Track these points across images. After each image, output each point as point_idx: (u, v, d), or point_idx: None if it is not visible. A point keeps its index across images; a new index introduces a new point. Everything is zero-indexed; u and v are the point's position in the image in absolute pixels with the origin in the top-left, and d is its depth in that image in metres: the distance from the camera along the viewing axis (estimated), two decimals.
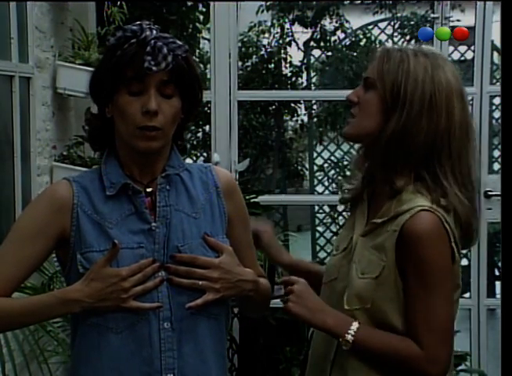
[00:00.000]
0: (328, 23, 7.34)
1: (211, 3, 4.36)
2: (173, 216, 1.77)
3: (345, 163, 7.68)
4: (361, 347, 1.76)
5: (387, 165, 1.81)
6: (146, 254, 1.74)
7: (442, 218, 1.76)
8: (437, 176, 1.80)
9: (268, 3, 7.08)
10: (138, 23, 1.74)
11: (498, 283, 6.06)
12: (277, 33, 7.35)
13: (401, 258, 1.76)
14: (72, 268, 1.75)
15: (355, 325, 1.76)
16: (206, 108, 4.20)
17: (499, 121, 7.11)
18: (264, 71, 7.31)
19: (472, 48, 5.23)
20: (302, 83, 7.54)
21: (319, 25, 7.33)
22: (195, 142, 7.38)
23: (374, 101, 1.82)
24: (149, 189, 1.77)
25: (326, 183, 7.74)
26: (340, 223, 7.42)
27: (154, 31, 1.72)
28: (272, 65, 7.40)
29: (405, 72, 1.80)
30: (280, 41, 7.36)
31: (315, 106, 7.56)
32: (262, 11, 7.10)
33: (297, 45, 7.45)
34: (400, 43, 7.53)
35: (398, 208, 1.79)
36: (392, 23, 7.59)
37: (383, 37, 7.62)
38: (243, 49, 7.14)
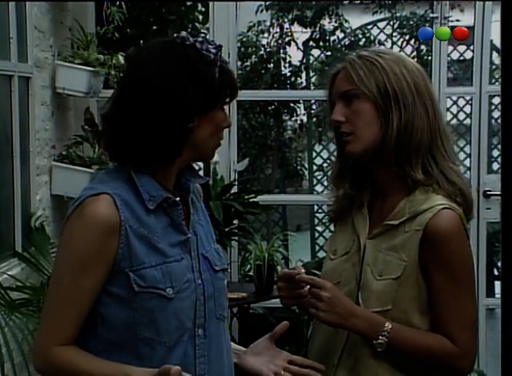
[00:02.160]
0: (327, 23, 7.33)
1: (210, 3, 4.36)
2: (195, 224, 1.79)
3: None
4: (395, 348, 1.76)
5: (402, 163, 1.81)
6: (188, 265, 1.74)
7: (462, 215, 1.79)
8: (435, 158, 1.82)
9: (268, 3, 7.08)
10: (202, 36, 1.72)
11: (497, 283, 6.06)
12: (276, 33, 7.34)
13: (424, 256, 1.77)
14: (116, 284, 1.68)
15: (387, 326, 1.76)
16: None
17: (498, 120, 7.11)
18: (263, 71, 7.30)
19: (471, 47, 5.24)
20: (301, 83, 7.53)
21: (319, 25, 7.32)
22: None
23: (366, 109, 1.82)
24: (177, 199, 1.76)
25: (326, 183, 7.73)
26: None
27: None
28: (271, 65, 7.40)
29: (383, 71, 1.81)
30: (279, 41, 7.35)
31: (314, 106, 7.55)
32: (261, 11, 7.09)
33: (297, 44, 7.44)
34: (399, 43, 7.53)
35: (413, 208, 1.80)
36: (391, 23, 7.58)
37: (382, 36, 7.62)
38: (242, 49, 7.13)
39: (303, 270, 1.81)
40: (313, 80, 7.83)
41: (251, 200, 4.09)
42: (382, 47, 2.07)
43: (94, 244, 1.65)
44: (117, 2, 4.19)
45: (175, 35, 1.73)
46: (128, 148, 1.70)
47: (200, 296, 1.74)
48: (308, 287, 1.79)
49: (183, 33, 1.72)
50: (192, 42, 1.70)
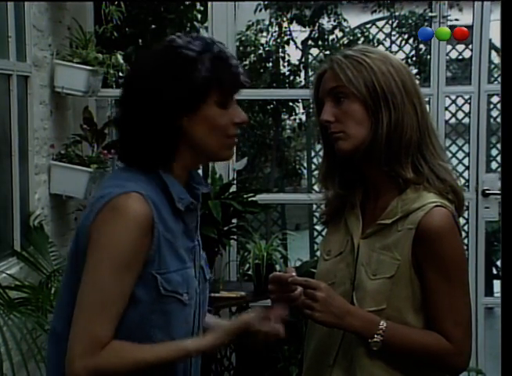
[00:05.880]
0: (326, 22, 7.33)
1: (209, 2, 4.36)
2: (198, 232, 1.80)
3: None
4: (390, 346, 1.76)
5: (392, 162, 1.81)
6: (194, 273, 1.75)
7: (454, 212, 1.79)
8: (424, 156, 1.83)
9: (266, 2, 7.07)
10: (195, 35, 1.73)
11: (496, 282, 6.07)
12: (275, 32, 7.34)
13: (417, 255, 1.77)
14: (139, 286, 1.65)
15: (382, 324, 1.76)
16: None
17: (497, 119, 7.12)
18: (262, 70, 7.30)
19: (470, 47, 5.24)
20: (300, 82, 7.53)
21: (317, 24, 7.32)
22: None
23: (356, 110, 1.81)
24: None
25: None
26: None
27: (220, 44, 1.76)
28: (270, 64, 7.39)
29: (370, 70, 1.80)
30: (278, 40, 7.35)
31: (313, 105, 7.55)
32: (260, 10, 7.08)
33: (295, 43, 7.44)
34: (398, 42, 7.54)
35: (406, 207, 1.80)
36: (390, 22, 7.58)
37: (381, 36, 7.62)
38: (241, 48, 7.12)
39: (294, 273, 1.79)
40: (312, 79, 7.84)
41: (250, 199, 4.09)
42: (364, 45, 2.07)
43: (135, 241, 1.62)
44: (116, 1, 4.19)
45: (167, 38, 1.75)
46: (127, 149, 1.72)
47: (197, 304, 1.75)
48: (300, 289, 1.77)
49: (176, 35, 1.73)
50: (173, 40, 1.71)
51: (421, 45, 7.37)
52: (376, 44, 7.39)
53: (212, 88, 1.68)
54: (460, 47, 7.43)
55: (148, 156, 1.69)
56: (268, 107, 7.41)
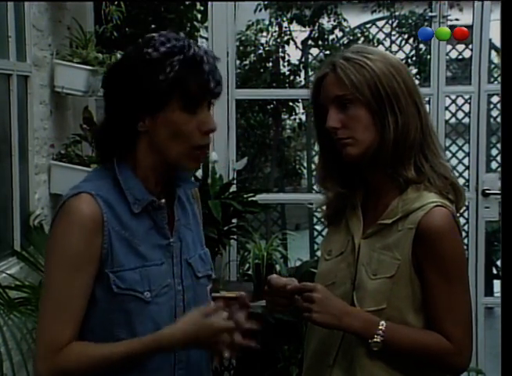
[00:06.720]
0: (326, 22, 7.34)
1: (209, 2, 4.36)
2: (180, 230, 1.79)
3: None
4: (391, 346, 1.76)
5: (396, 164, 1.82)
6: (169, 270, 1.74)
7: (454, 212, 1.80)
8: (426, 156, 1.83)
9: (266, 2, 7.07)
10: (175, 36, 1.68)
11: (496, 282, 6.07)
12: (275, 31, 7.34)
13: (418, 254, 1.77)
14: (98, 285, 1.68)
15: (382, 325, 1.75)
16: None
17: (497, 119, 7.12)
18: (262, 70, 7.30)
19: (470, 46, 5.24)
20: (300, 82, 7.53)
21: (317, 24, 7.32)
22: None
23: (362, 115, 1.80)
24: (162, 201, 1.75)
25: None
26: None
27: (201, 48, 1.68)
28: (270, 64, 7.40)
29: (373, 73, 1.80)
30: (278, 40, 7.35)
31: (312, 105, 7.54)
32: (260, 9, 7.09)
33: (295, 43, 7.44)
34: (398, 42, 7.53)
35: (406, 207, 1.80)
36: (390, 22, 7.58)
37: (381, 35, 7.62)
38: (240, 48, 7.13)
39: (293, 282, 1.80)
40: (312, 79, 7.83)
41: (250, 199, 4.09)
42: (361, 44, 2.07)
43: (81, 240, 1.65)
44: (116, 1, 4.19)
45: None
46: (97, 143, 1.79)
47: (179, 302, 1.74)
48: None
49: (155, 34, 1.72)
50: (147, 39, 1.70)
51: (421, 45, 7.37)
52: (376, 44, 7.38)
53: (176, 93, 1.65)
54: (460, 47, 7.43)
55: (105, 150, 1.73)
56: (268, 107, 7.42)
